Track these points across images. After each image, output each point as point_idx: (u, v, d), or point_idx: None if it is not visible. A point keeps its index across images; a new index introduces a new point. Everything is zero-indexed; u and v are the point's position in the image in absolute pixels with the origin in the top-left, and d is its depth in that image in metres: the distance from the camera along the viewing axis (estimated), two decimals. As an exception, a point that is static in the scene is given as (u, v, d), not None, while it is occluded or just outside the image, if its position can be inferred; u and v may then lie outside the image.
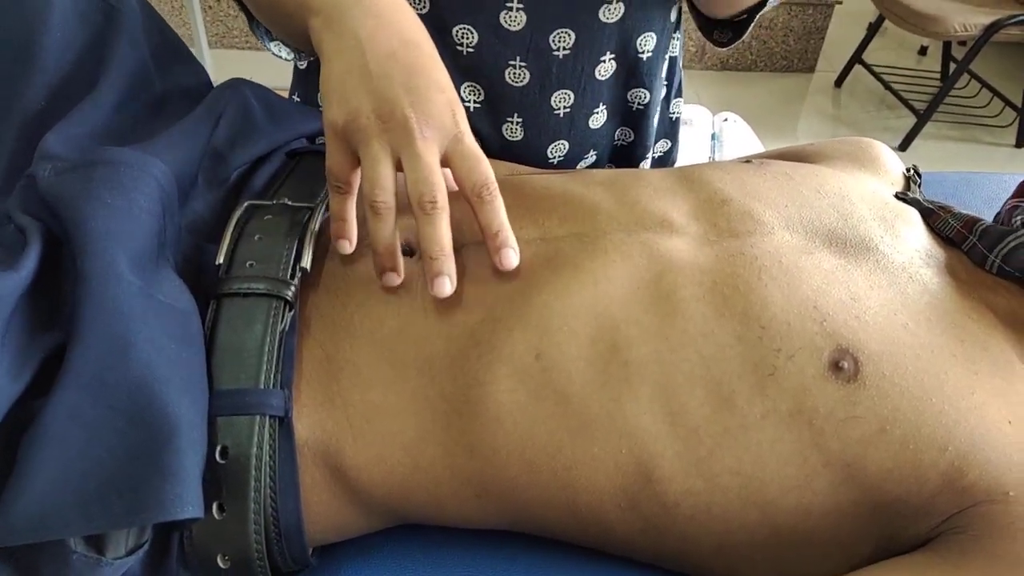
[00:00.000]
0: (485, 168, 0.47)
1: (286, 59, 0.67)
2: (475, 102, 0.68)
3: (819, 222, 0.54)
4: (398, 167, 0.46)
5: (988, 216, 0.65)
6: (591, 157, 0.75)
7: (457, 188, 0.48)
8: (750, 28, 0.69)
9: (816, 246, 0.52)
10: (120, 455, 0.38)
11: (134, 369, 0.39)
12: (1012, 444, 0.44)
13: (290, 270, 0.48)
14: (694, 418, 0.45)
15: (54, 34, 0.52)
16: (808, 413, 0.44)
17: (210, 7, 2.57)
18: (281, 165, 0.59)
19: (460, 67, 0.66)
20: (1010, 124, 2.57)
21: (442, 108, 0.46)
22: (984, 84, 2.66)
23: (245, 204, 0.52)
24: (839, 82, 2.82)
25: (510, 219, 0.49)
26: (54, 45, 0.51)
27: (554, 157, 0.72)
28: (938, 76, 2.77)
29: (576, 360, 0.46)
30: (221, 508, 0.43)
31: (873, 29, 2.66)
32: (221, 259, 0.48)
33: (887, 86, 2.68)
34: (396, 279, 0.47)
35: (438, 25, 0.64)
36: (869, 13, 2.67)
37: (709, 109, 1.50)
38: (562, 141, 0.71)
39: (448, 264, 0.46)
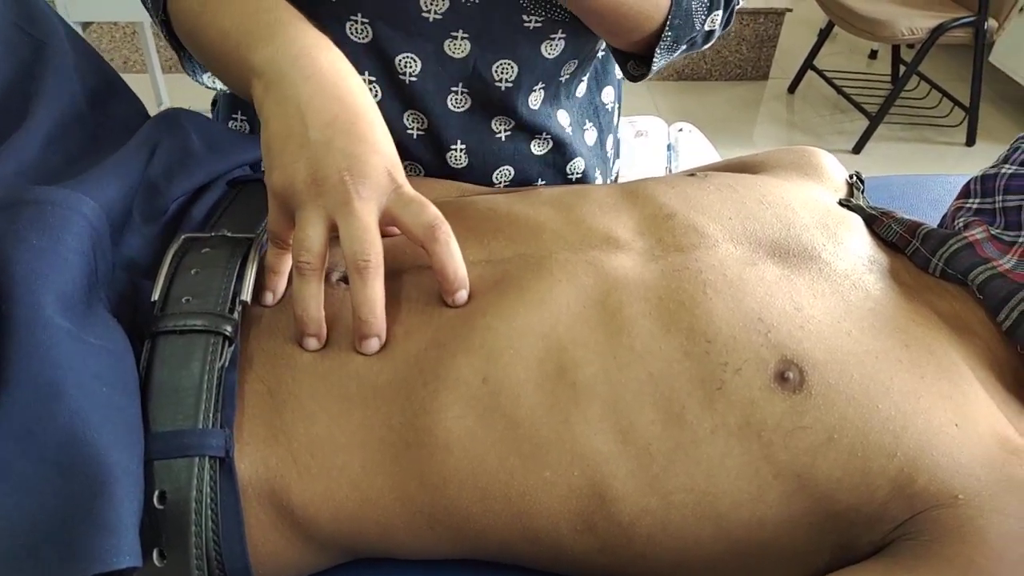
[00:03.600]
0: (432, 210, 0.48)
1: (222, 89, 0.67)
2: (418, 130, 0.68)
3: (762, 232, 0.54)
4: (335, 230, 0.47)
5: (935, 217, 0.66)
6: (540, 183, 0.75)
7: (408, 238, 0.48)
8: (655, 68, 0.68)
9: (760, 257, 0.52)
10: (52, 507, 0.37)
11: (64, 417, 0.38)
12: (959, 447, 0.44)
13: (229, 303, 0.47)
14: (645, 436, 0.45)
15: None
16: (756, 426, 0.44)
17: (162, 34, 2.54)
18: (221, 195, 0.58)
19: (403, 96, 0.66)
20: (960, 123, 2.63)
21: (378, 169, 0.47)
22: (933, 85, 2.72)
23: (182, 238, 0.51)
24: (792, 88, 2.87)
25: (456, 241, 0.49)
26: None
27: (499, 183, 0.72)
28: (888, 79, 2.83)
29: (524, 383, 0.45)
30: (162, 555, 0.42)
31: (824, 35, 2.71)
32: (156, 295, 0.47)
33: (839, 90, 2.73)
34: (315, 344, 0.47)
35: (382, 53, 0.63)
36: (819, 20, 2.73)
37: (666, 119, 1.52)
38: (506, 167, 0.71)
39: (378, 326, 0.46)
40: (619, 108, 0.82)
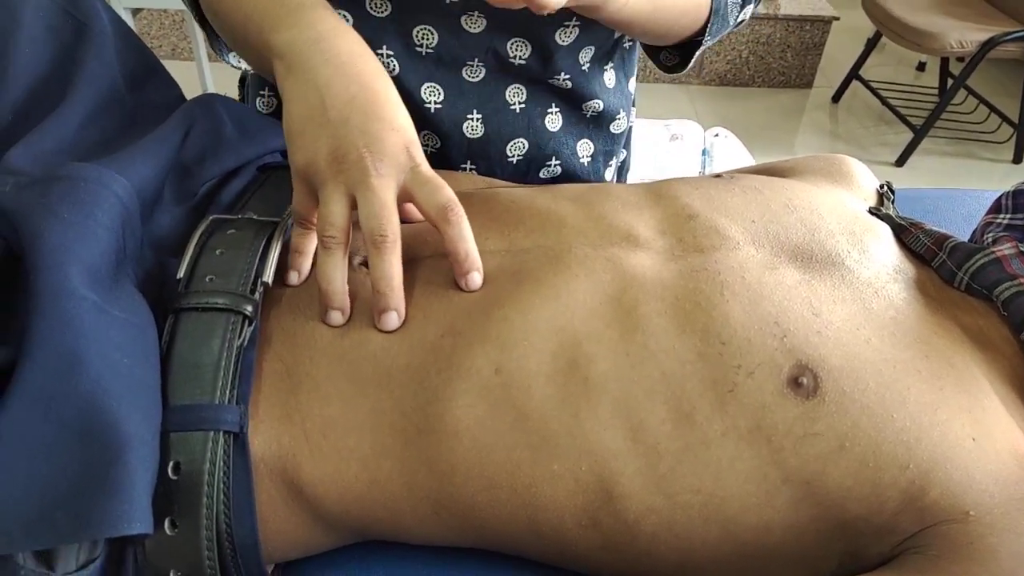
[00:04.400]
0: (447, 191, 0.48)
1: (247, 69, 0.68)
2: (435, 102, 0.69)
3: (786, 236, 0.54)
4: (355, 206, 0.48)
5: (968, 232, 0.65)
6: (554, 166, 0.75)
7: (423, 218, 0.49)
8: (696, 55, 0.71)
9: (781, 261, 0.52)
10: (68, 471, 0.38)
11: (84, 384, 0.39)
12: (974, 462, 0.44)
13: (251, 284, 0.48)
14: (654, 435, 0.45)
15: (23, 51, 0.52)
16: (767, 430, 0.44)
17: (210, 23, 2.59)
18: (250, 180, 0.59)
19: (419, 68, 0.67)
20: (1007, 140, 2.57)
21: (397, 146, 0.48)
22: (981, 100, 2.66)
23: (209, 218, 0.52)
24: (836, 97, 2.83)
25: (476, 230, 0.49)
26: (22, 62, 0.52)
27: (513, 156, 0.73)
28: (936, 92, 2.78)
29: (536, 375, 0.46)
30: (173, 524, 0.43)
31: (871, 45, 2.67)
32: (181, 273, 0.48)
33: (884, 102, 2.68)
34: (339, 318, 0.48)
35: (400, 26, 0.65)
36: (867, 29, 2.68)
37: (705, 124, 1.51)
38: (520, 139, 0.72)
39: (395, 299, 0.47)
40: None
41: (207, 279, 0.48)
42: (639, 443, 0.45)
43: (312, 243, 0.51)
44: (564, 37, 0.67)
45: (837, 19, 2.72)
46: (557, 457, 0.45)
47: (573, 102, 0.73)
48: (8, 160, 0.47)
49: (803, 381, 0.45)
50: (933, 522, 0.43)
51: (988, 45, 2.25)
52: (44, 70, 0.53)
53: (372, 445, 0.46)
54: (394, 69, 0.65)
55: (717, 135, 1.45)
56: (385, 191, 0.47)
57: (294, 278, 0.51)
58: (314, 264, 0.51)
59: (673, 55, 0.76)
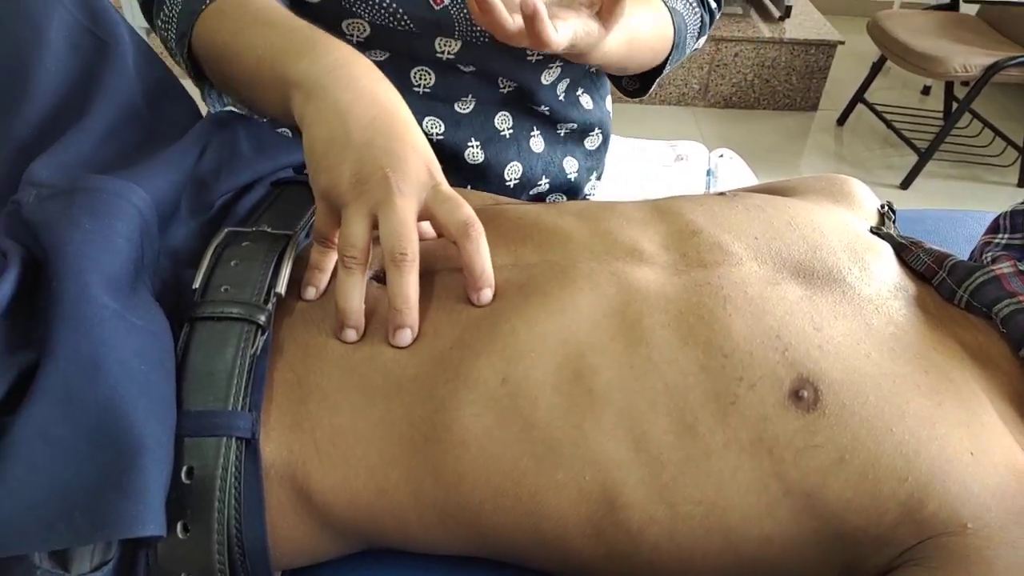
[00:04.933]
0: (467, 209, 0.50)
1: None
2: (437, 134, 0.73)
3: (788, 253, 0.55)
4: (375, 225, 0.49)
5: (967, 253, 0.66)
6: (543, 184, 0.81)
7: (442, 234, 0.51)
8: (656, 81, 0.79)
9: (784, 277, 0.53)
10: (85, 472, 0.39)
11: (102, 389, 0.40)
12: (972, 476, 0.44)
13: (264, 295, 0.50)
14: (657, 445, 0.46)
15: (47, 67, 0.54)
16: (768, 442, 0.45)
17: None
18: (265, 194, 0.61)
19: (418, 107, 0.71)
20: (1012, 163, 2.58)
21: (418, 165, 0.49)
22: (986, 124, 2.68)
23: (225, 231, 0.54)
24: (842, 121, 2.85)
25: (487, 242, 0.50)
26: (45, 79, 0.53)
27: (510, 179, 0.78)
28: (940, 115, 2.79)
29: (542, 386, 0.47)
30: (185, 528, 0.44)
31: (876, 69, 2.69)
32: (197, 283, 0.50)
33: (889, 125, 2.70)
34: (354, 336, 0.49)
35: (398, 70, 0.70)
36: (872, 53, 2.70)
37: (709, 146, 1.52)
38: (514, 163, 0.77)
39: (411, 317, 0.48)
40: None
41: (222, 289, 0.49)
42: (642, 453, 0.45)
43: (331, 261, 0.53)
44: (548, 77, 0.73)
45: (842, 43, 2.75)
46: (562, 466, 0.46)
47: (550, 123, 0.79)
48: (31, 172, 0.49)
49: (804, 394, 0.46)
50: (931, 534, 0.43)
51: (992, 69, 2.26)
52: (67, 86, 0.54)
53: (380, 454, 0.46)
54: None
55: (722, 156, 1.46)
56: (406, 211, 0.48)
57: (311, 293, 0.52)
58: (331, 281, 0.52)
59: (633, 81, 0.82)
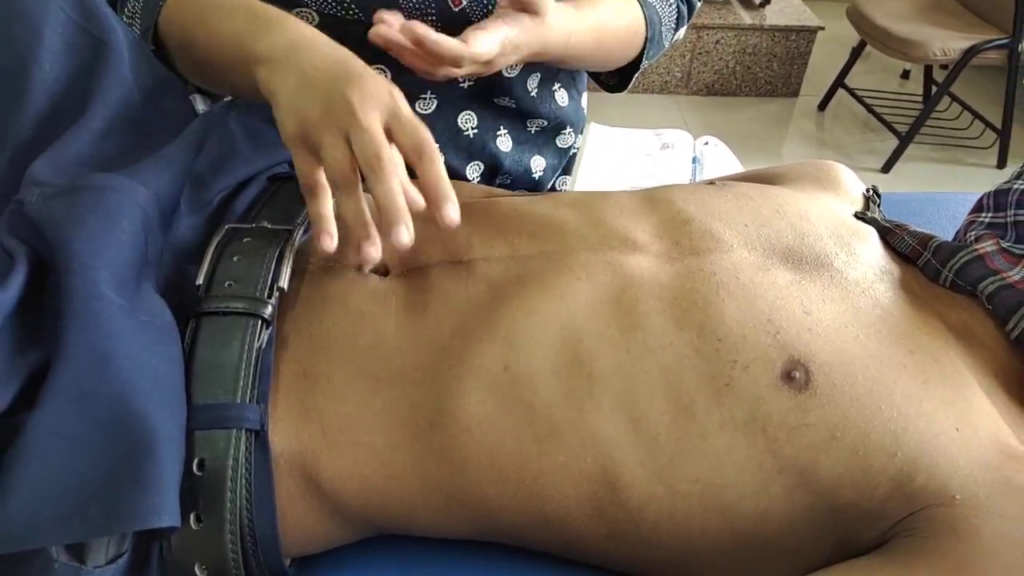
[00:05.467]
0: (424, 132, 0.48)
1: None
2: None
3: (777, 240, 0.56)
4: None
5: (952, 234, 0.68)
6: (505, 179, 0.81)
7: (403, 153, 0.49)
8: (635, 77, 0.79)
9: (773, 263, 0.54)
10: (100, 466, 0.40)
11: (114, 384, 0.41)
12: (959, 450, 0.46)
13: (267, 289, 0.50)
14: (655, 427, 0.47)
15: (44, 67, 0.54)
16: (762, 421, 0.46)
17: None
18: (262, 190, 0.61)
19: None
20: (991, 145, 2.61)
21: (380, 87, 0.48)
22: (965, 106, 2.71)
23: (225, 227, 0.54)
24: (822, 106, 2.87)
25: (482, 239, 0.51)
26: (43, 78, 0.54)
27: (472, 178, 0.79)
28: (920, 99, 2.82)
29: (542, 372, 0.48)
30: (198, 519, 0.45)
31: (855, 54, 2.71)
32: (201, 279, 0.50)
33: (870, 109, 2.72)
34: (374, 251, 0.48)
35: None
36: (851, 38, 2.72)
37: (694, 134, 1.53)
38: (476, 162, 0.78)
39: (404, 215, 0.46)
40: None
41: (226, 284, 0.50)
42: (640, 434, 0.47)
43: (327, 202, 0.50)
44: (510, 70, 0.74)
45: (822, 29, 2.77)
46: (563, 449, 0.47)
47: (519, 119, 0.79)
48: (33, 171, 0.49)
49: (795, 375, 0.47)
50: (921, 506, 0.45)
51: (971, 53, 2.29)
52: (64, 85, 0.55)
53: (386, 441, 0.48)
54: None
55: (707, 143, 1.48)
56: (372, 122, 0.47)
57: (327, 241, 0.48)
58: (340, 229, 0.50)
59: (613, 75, 0.82)
